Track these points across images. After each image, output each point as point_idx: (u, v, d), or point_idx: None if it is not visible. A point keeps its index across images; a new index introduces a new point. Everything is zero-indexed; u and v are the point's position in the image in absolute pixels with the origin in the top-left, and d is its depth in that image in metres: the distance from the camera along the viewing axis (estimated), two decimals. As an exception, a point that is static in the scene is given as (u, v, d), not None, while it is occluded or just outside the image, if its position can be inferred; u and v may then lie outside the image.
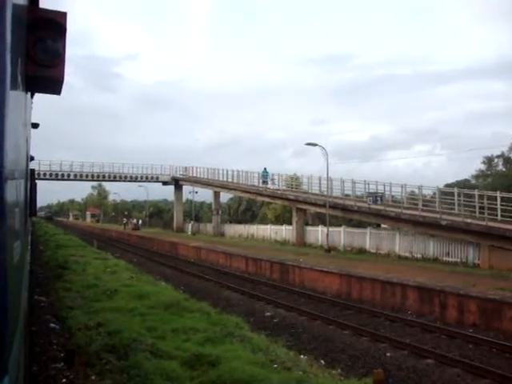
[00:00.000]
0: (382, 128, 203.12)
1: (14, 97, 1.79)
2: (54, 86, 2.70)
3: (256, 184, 43.33)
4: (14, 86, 1.70)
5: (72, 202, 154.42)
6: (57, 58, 2.41)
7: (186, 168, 57.11)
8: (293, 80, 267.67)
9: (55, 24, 2.37)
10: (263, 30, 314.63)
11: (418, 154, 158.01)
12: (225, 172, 48.67)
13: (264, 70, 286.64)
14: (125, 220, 74.73)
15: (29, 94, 3.49)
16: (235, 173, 47.08)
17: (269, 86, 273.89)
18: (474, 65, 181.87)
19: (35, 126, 9.20)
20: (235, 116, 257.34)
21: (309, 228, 37.07)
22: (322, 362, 10.32)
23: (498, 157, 53.14)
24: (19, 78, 1.96)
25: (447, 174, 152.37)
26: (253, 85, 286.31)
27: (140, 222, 71.43)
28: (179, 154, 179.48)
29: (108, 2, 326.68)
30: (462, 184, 47.83)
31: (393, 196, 31.01)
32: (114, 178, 56.83)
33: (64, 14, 2.44)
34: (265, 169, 42.98)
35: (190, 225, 54.74)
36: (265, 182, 42.41)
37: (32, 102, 5.11)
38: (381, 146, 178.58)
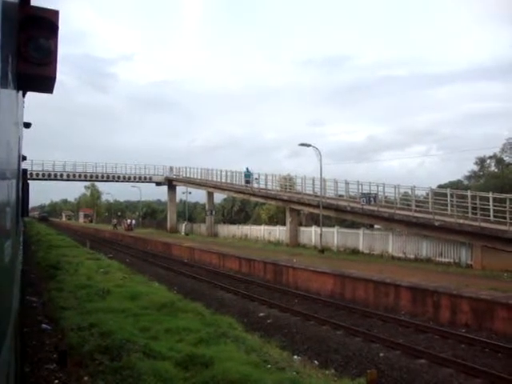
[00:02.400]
0: (379, 129, 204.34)
1: (5, 95, 1.77)
2: (46, 84, 2.68)
3: (249, 185, 43.43)
4: (4, 84, 1.68)
5: (65, 202, 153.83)
6: (49, 56, 2.39)
7: (179, 168, 57.08)
8: (291, 81, 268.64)
9: (47, 22, 2.34)
10: (261, 31, 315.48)
11: (414, 154, 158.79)
12: (218, 173, 48.68)
13: (262, 71, 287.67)
14: (114, 221, 74.17)
15: (20, 92, 3.46)
16: (229, 173, 47.12)
17: (267, 87, 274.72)
18: (472, 66, 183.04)
19: (27, 125, 9.14)
20: (233, 117, 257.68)
21: (302, 228, 37.12)
22: (316, 362, 10.33)
23: (490, 158, 53.52)
24: (10, 76, 1.94)
25: (442, 175, 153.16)
26: (251, 86, 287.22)
27: (133, 222, 71.15)
28: (176, 155, 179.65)
29: (103, 1, 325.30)
30: (455, 185, 48.07)
31: (386, 197, 31.09)
32: (107, 179, 56.68)
33: (56, 12, 2.42)
34: (247, 169, 44.42)
35: (184, 225, 54.66)
36: (248, 182, 43.61)
37: (24, 101, 5.07)
38: (377, 146, 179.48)
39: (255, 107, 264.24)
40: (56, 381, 6.65)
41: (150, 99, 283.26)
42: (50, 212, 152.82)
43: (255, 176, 42.91)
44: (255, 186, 42.59)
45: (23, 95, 4.36)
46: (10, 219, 2.21)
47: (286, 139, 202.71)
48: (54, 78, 2.52)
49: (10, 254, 2.10)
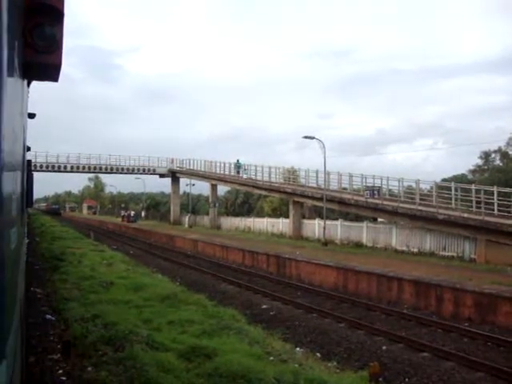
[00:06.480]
0: (386, 122, 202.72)
1: (12, 84, 1.75)
2: (51, 72, 2.65)
3: (253, 177, 43.43)
4: (10, 72, 1.66)
5: (69, 194, 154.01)
6: (54, 44, 2.36)
7: (182, 160, 57.05)
8: (298, 73, 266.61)
9: (52, 9, 2.32)
10: (267, 23, 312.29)
11: (420, 148, 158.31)
12: (222, 165, 48.68)
13: (269, 63, 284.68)
14: (122, 212, 74.66)
15: (25, 81, 3.44)
16: (232, 165, 47.14)
17: (273, 80, 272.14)
18: (479, 59, 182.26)
19: (32, 116, 9.13)
20: (239, 109, 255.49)
21: (305, 221, 37.09)
22: (318, 354, 10.35)
23: (495, 152, 53.33)
24: (16, 64, 1.92)
25: (447, 169, 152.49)
26: (257, 78, 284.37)
27: (143, 213, 71.56)
28: (181, 146, 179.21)
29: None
30: (460, 179, 47.88)
31: (390, 190, 31.06)
32: (111, 170, 56.68)
33: None
34: (238, 160, 46.72)
35: (187, 217, 54.71)
36: (238, 172, 45.63)
37: (28, 91, 5.05)
38: (384, 139, 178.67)
39: (262, 100, 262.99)
40: (60, 371, 6.68)
41: (156, 91, 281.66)
42: (55, 203, 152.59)
43: (246, 167, 45.20)
44: (244, 176, 44.60)
45: (28, 85, 4.34)
46: (15, 210, 2.20)
47: (293, 132, 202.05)
48: (60, 65, 2.50)
49: (14, 244, 2.10)
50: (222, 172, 48.49)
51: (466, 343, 11.43)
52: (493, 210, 22.78)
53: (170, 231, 43.73)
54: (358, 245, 29.47)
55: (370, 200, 28.87)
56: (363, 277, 17.78)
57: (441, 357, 10.23)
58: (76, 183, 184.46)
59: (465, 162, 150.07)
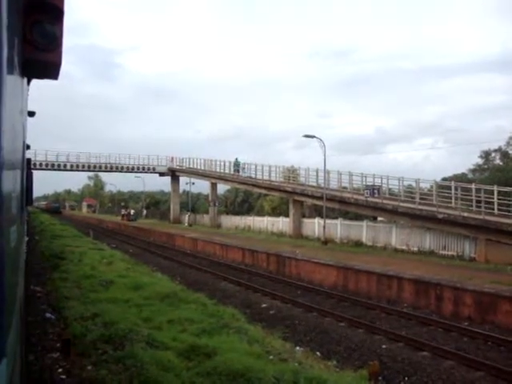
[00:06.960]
0: (386, 121, 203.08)
1: (12, 81, 1.74)
2: (51, 70, 2.64)
3: (253, 176, 43.43)
4: (10, 70, 1.65)
5: (68, 192, 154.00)
6: (54, 42, 2.35)
7: (182, 159, 57.02)
8: (298, 73, 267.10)
9: (52, 7, 2.31)
10: (267, 22, 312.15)
11: (420, 147, 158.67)
12: (222, 163, 48.68)
13: (269, 62, 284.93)
14: (122, 211, 74.63)
15: (25, 79, 3.43)
16: (232, 164, 47.14)
17: (274, 79, 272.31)
18: (479, 59, 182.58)
19: (31, 114, 9.12)
20: (239, 108, 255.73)
21: (305, 220, 37.08)
22: (318, 353, 10.35)
23: (495, 151, 53.27)
24: (16, 62, 1.91)
25: (448, 168, 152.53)
26: (257, 77, 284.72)
27: (144, 212, 71.44)
28: (181, 146, 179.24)
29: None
30: (460, 178, 47.79)
31: (390, 189, 31.03)
32: (111, 169, 56.61)
33: None
34: (236, 159, 47.35)
35: (187, 216, 54.67)
36: (236, 171, 46.17)
37: (28, 89, 5.04)
38: (384, 139, 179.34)
39: (262, 99, 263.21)
40: (59, 369, 6.68)
41: (156, 90, 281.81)
42: (55, 202, 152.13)
43: (243, 166, 45.77)
44: (243, 175, 45.07)
45: (28, 83, 4.33)
46: (15, 208, 2.19)
47: (293, 131, 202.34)
48: (60, 63, 2.49)
49: (14, 242, 2.09)
50: (221, 171, 48.49)
51: (466, 342, 11.43)
52: (493, 209, 22.77)
53: (169, 230, 43.72)
54: (358, 244, 29.45)
55: (370, 199, 28.86)
56: (363, 276, 17.77)
57: (441, 356, 10.22)
58: (76, 182, 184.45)
59: (465, 161, 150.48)
